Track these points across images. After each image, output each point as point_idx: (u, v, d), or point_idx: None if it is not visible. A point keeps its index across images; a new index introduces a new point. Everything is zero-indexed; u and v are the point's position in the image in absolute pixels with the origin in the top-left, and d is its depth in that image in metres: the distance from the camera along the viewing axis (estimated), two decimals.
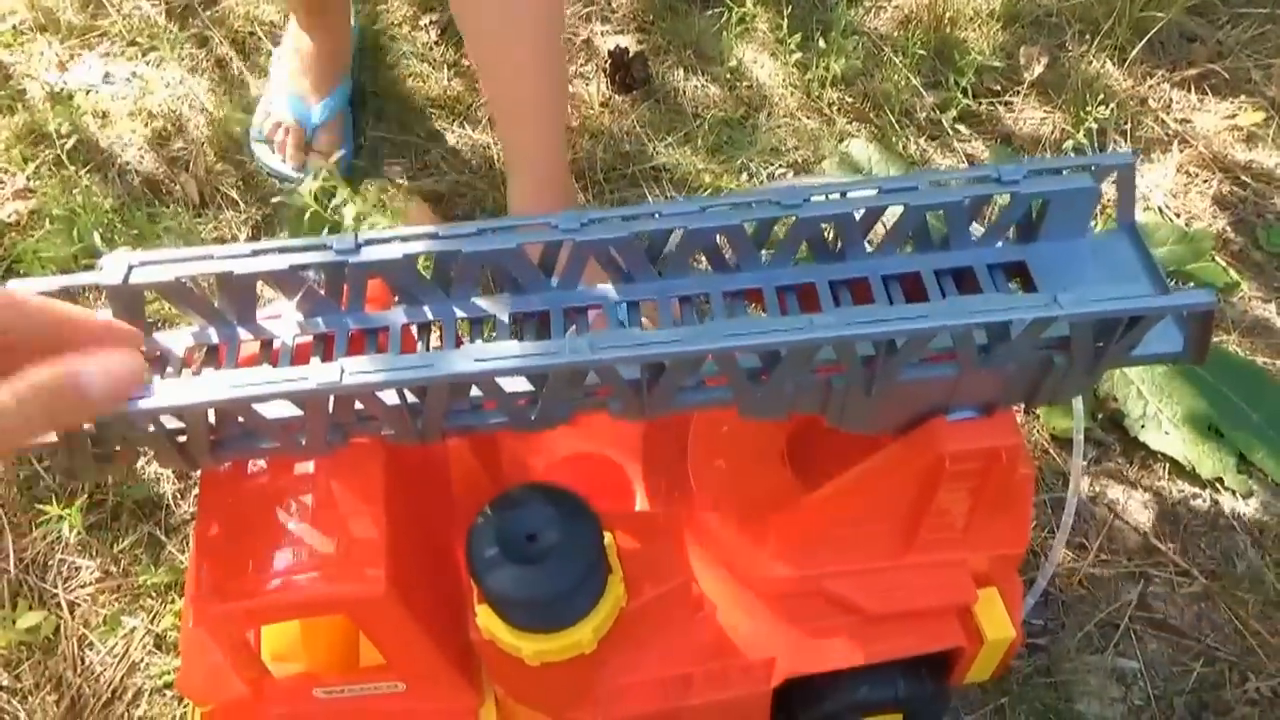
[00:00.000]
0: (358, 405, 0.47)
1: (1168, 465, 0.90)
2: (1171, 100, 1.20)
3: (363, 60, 1.25)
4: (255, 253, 0.48)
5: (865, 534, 0.58)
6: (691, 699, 0.58)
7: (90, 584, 0.85)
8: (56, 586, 0.85)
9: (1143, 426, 0.90)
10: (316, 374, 0.43)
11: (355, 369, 0.43)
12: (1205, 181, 1.11)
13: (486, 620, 0.50)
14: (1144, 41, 1.23)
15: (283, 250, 0.49)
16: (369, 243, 0.49)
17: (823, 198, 0.51)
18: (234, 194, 1.14)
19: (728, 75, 1.25)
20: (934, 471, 0.53)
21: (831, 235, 0.52)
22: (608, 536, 0.53)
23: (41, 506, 0.86)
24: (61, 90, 1.23)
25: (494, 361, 0.43)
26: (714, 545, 0.61)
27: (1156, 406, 0.91)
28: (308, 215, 1.04)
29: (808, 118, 1.21)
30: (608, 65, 1.27)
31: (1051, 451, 0.91)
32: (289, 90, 1.15)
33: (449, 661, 0.55)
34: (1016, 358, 0.48)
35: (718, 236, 0.51)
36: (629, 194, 1.14)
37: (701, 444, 0.64)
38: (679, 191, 1.14)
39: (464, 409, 0.49)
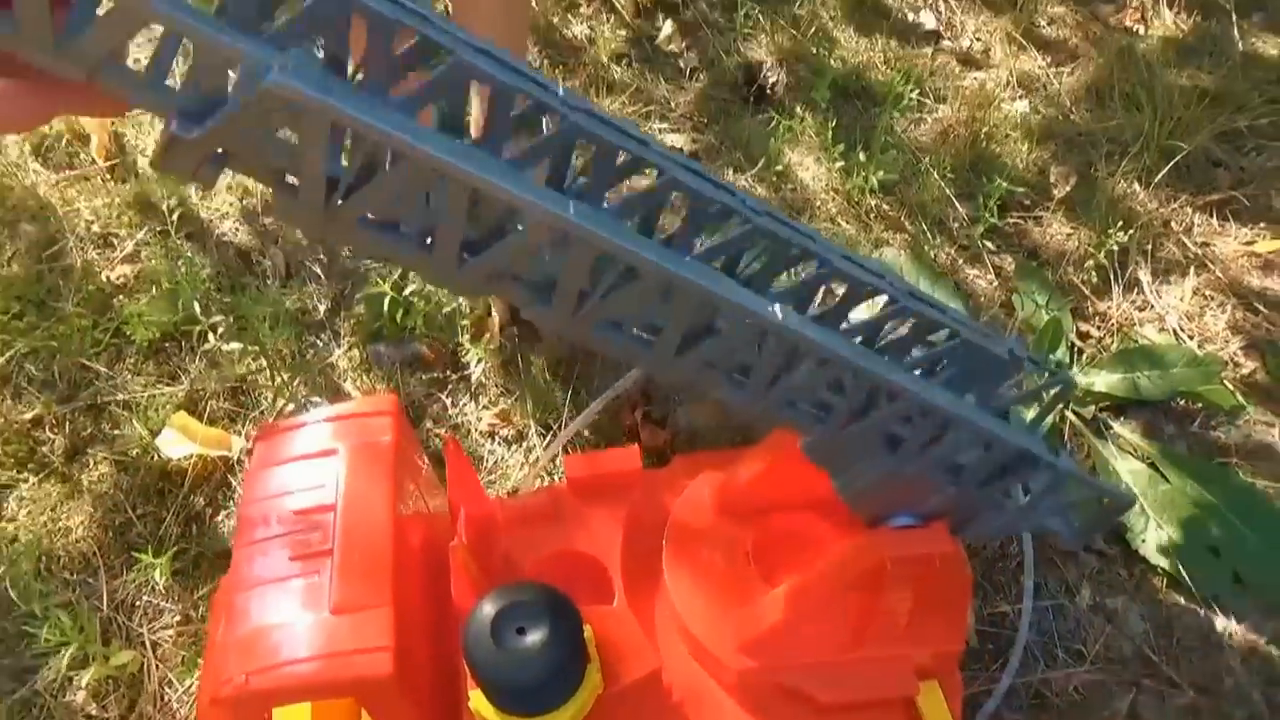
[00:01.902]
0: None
1: (1165, 579, 0.96)
2: (1193, 224, 1.27)
3: None
4: None
5: (818, 630, 0.65)
6: None
7: (172, 626, 0.95)
8: (142, 626, 0.95)
9: (1143, 541, 0.96)
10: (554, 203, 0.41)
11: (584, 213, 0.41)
12: (1220, 305, 1.18)
13: (479, 704, 0.59)
14: (1170, 165, 1.30)
15: None
16: None
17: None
18: (317, 269, 1.25)
19: (774, 177, 1.35)
20: (877, 573, 0.61)
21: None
22: (587, 629, 0.62)
23: (136, 554, 0.96)
24: None
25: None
26: (684, 637, 0.69)
27: (1157, 522, 0.97)
28: (386, 301, 1.15)
29: (847, 223, 1.30)
30: None
31: (1057, 561, 0.97)
32: None
33: None
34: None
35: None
36: None
37: (675, 543, 0.72)
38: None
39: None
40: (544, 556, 0.73)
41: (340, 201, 0.41)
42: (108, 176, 1.35)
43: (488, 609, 0.58)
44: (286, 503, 0.65)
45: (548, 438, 1.07)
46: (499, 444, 1.09)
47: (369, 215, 0.43)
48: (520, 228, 0.43)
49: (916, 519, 0.60)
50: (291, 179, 0.41)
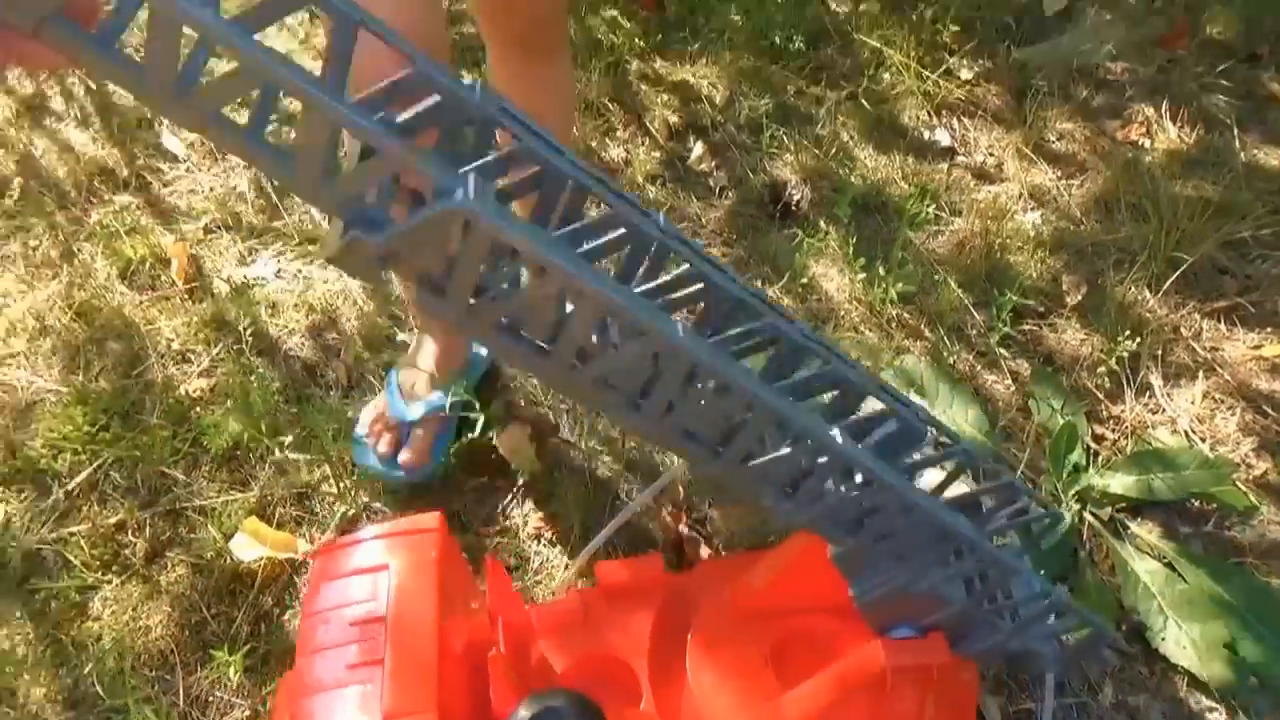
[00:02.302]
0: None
1: (1186, 678, 0.99)
2: (1202, 329, 1.33)
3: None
4: None
5: None
6: None
7: None
8: None
9: (1163, 639, 1.00)
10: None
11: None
12: (1230, 409, 1.23)
13: None
14: (1178, 273, 1.37)
15: None
16: None
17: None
18: (375, 380, 1.35)
19: (800, 289, 1.44)
20: (882, 678, 0.66)
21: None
22: None
23: (212, 650, 1.04)
24: (241, 282, 1.49)
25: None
26: None
27: (1176, 621, 1.01)
28: None
29: (869, 331, 1.38)
30: None
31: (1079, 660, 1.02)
32: (398, 385, 1.24)
33: None
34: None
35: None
36: None
37: (699, 645, 0.78)
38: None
39: None
40: (575, 660, 0.80)
41: (481, 303, 0.49)
42: (186, 297, 1.47)
43: (523, 715, 0.65)
44: (343, 614, 0.73)
45: (589, 542, 1.14)
46: (544, 545, 1.17)
47: (503, 319, 0.51)
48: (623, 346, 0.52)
49: (917, 630, 0.66)
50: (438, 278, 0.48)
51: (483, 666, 0.75)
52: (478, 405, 1.23)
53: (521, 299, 0.50)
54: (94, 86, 1.82)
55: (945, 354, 1.33)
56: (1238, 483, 1.14)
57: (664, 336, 0.51)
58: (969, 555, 0.64)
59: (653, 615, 0.82)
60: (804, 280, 1.44)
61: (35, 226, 1.56)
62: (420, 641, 0.71)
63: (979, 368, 1.32)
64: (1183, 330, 1.33)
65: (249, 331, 1.39)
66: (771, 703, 0.73)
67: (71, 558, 1.15)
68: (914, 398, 1.27)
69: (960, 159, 1.66)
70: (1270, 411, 1.22)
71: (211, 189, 1.66)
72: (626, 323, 0.51)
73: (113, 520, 1.19)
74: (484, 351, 1.32)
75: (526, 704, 0.66)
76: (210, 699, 1.04)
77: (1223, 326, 1.33)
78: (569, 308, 0.51)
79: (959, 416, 1.23)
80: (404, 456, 1.18)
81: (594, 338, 0.53)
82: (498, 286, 0.50)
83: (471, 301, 0.49)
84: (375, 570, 0.76)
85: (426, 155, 0.45)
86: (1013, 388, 1.28)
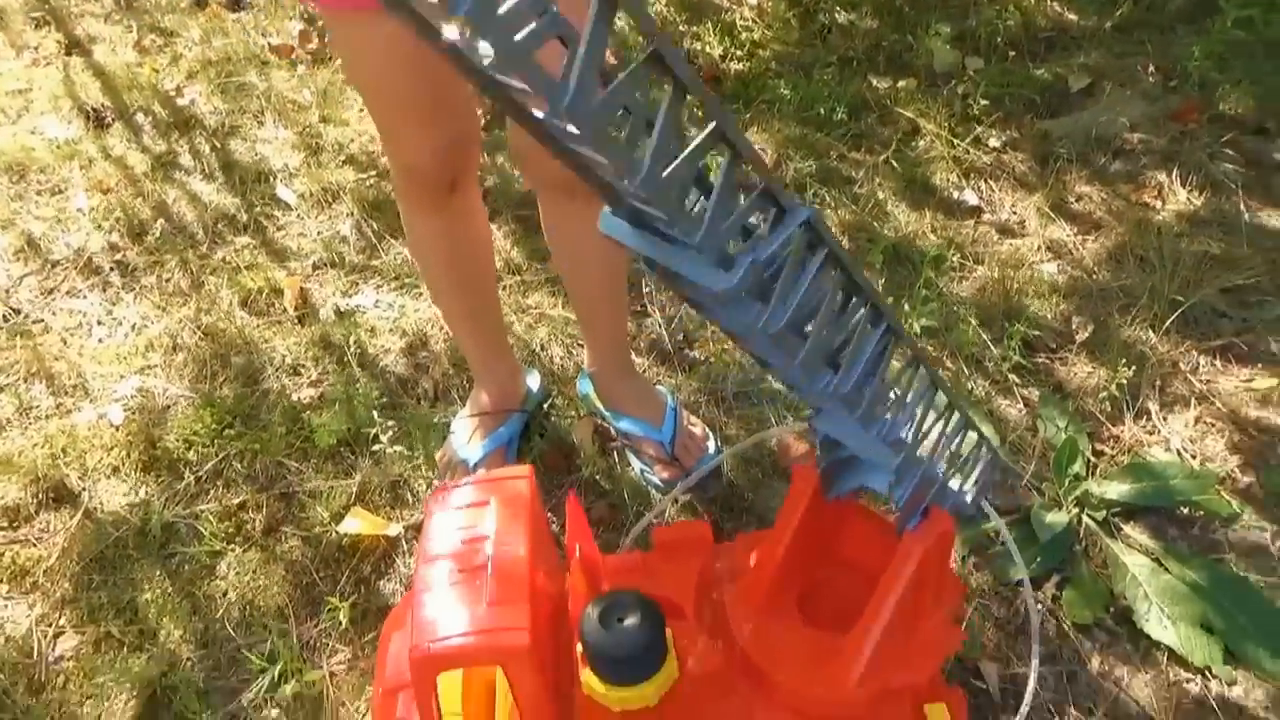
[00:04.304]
0: None
1: (1166, 654, 1.12)
2: (1199, 364, 1.47)
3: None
4: None
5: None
6: None
7: (345, 662, 1.20)
8: (324, 661, 1.20)
9: (1147, 621, 1.13)
10: None
11: None
12: (1220, 432, 1.37)
13: (588, 678, 0.81)
14: (1177, 313, 1.52)
15: None
16: None
17: None
18: (458, 396, 1.55)
19: None
20: (931, 558, 0.83)
21: None
22: (668, 631, 0.84)
23: (327, 598, 1.22)
24: (345, 310, 1.72)
25: None
26: (741, 655, 0.90)
27: (1159, 605, 1.14)
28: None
29: (895, 360, 1.54)
30: None
31: (1071, 635, 1.15)
32: (459, 435, 1.40)
33: None
34: None
35: None
36: (750, 412, 1.49)
37: (738, 601, 0.94)
38: (791, 414, 1.48)
39: None
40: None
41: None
42: (297, 323, 1.70)
43: (598, 604, 0.82)
44: (453, 535, 0.91)
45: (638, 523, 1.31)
46: (604, 531, 1.34)
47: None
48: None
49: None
50: None
51: (562, 606, 0.93)
52: (531, 429, 1.41)
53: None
54: (219, 145, 2.10)
55: (964, 381, 1.49)
56: (1222, 492, 1.27)
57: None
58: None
59: (699, 566, 0.99)
60: None
61: (169, 262, 1.82)
62: (516, 553, 0.88)
63: (994, 394, 1.47)
64: (1181, 365, 1.47)
65: (353, 348, 1.61)
66: (797, 633, 0.89)
67: (202, 529, 1.35)
68: None
69: (986, 216, 1.84)
70: (1256, 434, 1.35)
71: (319, 233, 1.91)
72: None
73: (236, 501, 1.40)
74: (535, 386, 1.50)
75: (599, 599, 0.83)
76: (319, 644, 1.22)
77: (1218, 363, 1.47)
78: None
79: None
80: None
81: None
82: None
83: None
84: (479, 505, 0.94)
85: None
86: (1024, 411, 1.43)
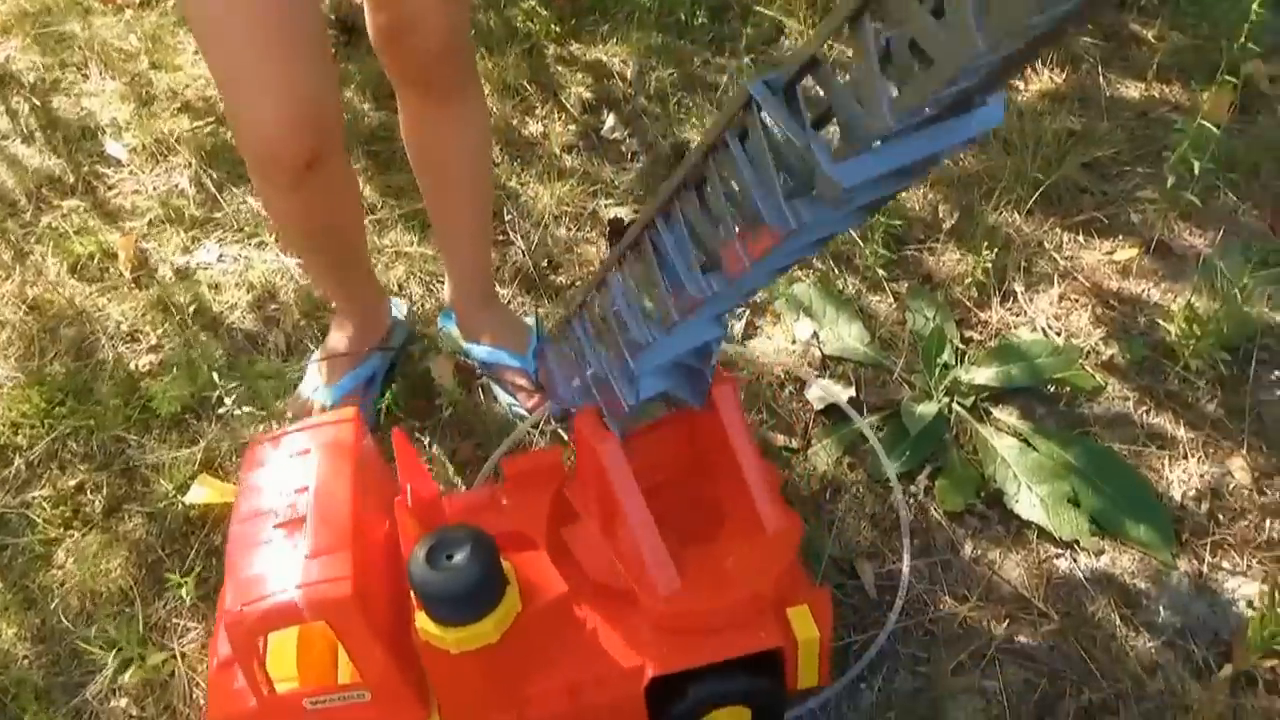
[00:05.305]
0: None
1: (1036, 532, 1.11)
2: (1062, 241, 1.46)
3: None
4: None
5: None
6: (583, 701, 0.81)
7: (197, 641, 1.12)
8: (173, 642, 1.12)
9: (1017, 502, 1.12)
10: None
11: None
12: (1083, 307, 1.36)
13: (422, 622, 0.76)
14: (1039, 192, 1.50)
15: None
16: None
17: None
18: (312, 345, 1.46)
19: None
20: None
21: None
22: (507, 562, 0.79)
23: (168, 575, 1.14)
24: (185, 268, 1.60)
25: None
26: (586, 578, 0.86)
27: (1028, 485, 1.13)
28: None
29: None
30: (608, 231, 1.59)
31: (944, 524, 1.14)
32: (310, 378, 1.32)
33: (403, 675, 0.80)
34: None
35: None
36: None
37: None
38: None
39: None
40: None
41: None
42: (133, 286, 1.58)
43: (425, 543, 0.76)
44: (272, 488, 0.84)
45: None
46: (470, 473, 1.28)
47: None
48: None
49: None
50: None
51: (397, 541, 0.87)
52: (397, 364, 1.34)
53: None
54: (39, 103, 1.92)
55: (835, 280, 1.45)
56: (1086, 367, 1.27)
57: None
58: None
59: (550, 495, 0.94)
60: None
61: None
62: (338, 501, 0.82)
63: (865, 290, 1.44)
64: (1045, 243, 1.46)
65: (192, 309, 1.50)
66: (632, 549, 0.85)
67: (34, 517, 1.25)
68: (803, 319, 1.39)
69: None
70: (1118, 305, 1.35)
71: (155, 188, 1.77)
72: None
73: (72, 483, 1.30)
74: (401, 316, 1.42)
75: (427, 537, 0.77)
76: (168, 625, 1.14)
77: (1081, 238, 1.46)
78: None
79: (843, 332, 1.35)
80: None
81: None
82: None
83: None
84: (300, 455, 0.87)
85: None
86: (894, 305, 1.41)
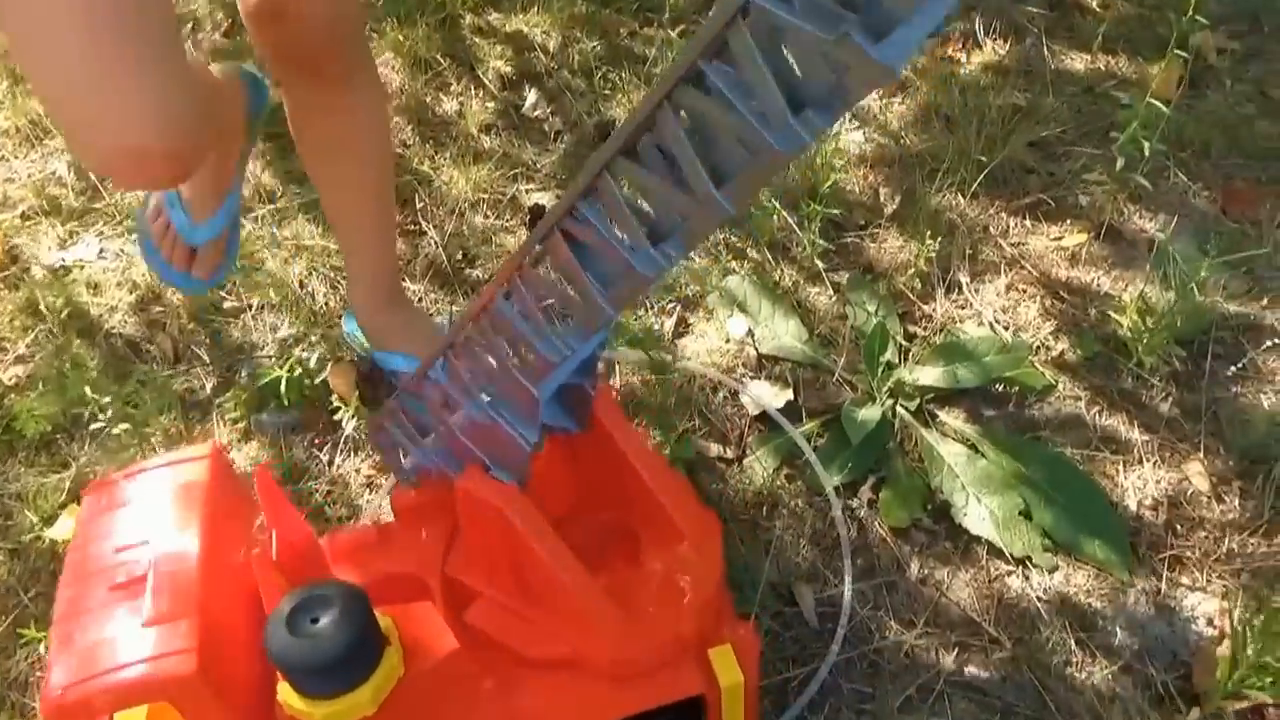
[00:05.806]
0: None
1: (986, 547, 1.04)
2: (1008, 226, 1.38)
3: None
4: None
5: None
6: None
7: None
8: (34, 700, 1.00)
9: (965, 515, 1.05)
10: None
11: None
12: (1031, 298, 1.29)
13: (285, 695, 0.65)
14: (984, 173, 1.42)
15: None
16: None
17: None
18: (203, 352, 1.32)
19: None
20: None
21: None
22: (386, 619, 0.68)
23: (21, 630, 1.01)
24: (59, 267, 1.44)
25: None
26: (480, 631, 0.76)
27: (976, 496, 1.05)
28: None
29: (699, 257, 1.40)
30: (528, 219, 1.47)
31: (889, 541, 1.06)
32: (180, 200, 1.10)
33: None
34: None
35: None
36: None
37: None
38: None
39: None
40: (371, 581, 0.80)
41: None
42: (1, 287, 1.42)
43: (285, 605, 0.65)
44: (108, 544, 0.72)
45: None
46: (376, 493, 1.16)
47: None
48: None
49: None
50: None
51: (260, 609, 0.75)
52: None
53: None
54: None
55: (771, 271, 1.36)
56: (1036, 364, 1.19)
57: None
58: None
59: (446, 532, 0.83)
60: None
61: None
62: (183, 558, 0.70)
63: (803, 282, 1.35)
64: (990, 229, 1.38)
65: (65, 313, 1.35)
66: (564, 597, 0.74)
67: None
68: (738, 315, 1.30)
69: None
70: (1067, 296, 1.28)
71: (29, 175, 1.60)
72: None
73: None
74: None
75: (289, 596, 0.66)
76: (30, 680, 1.01)
77: (1027, 222, 1.39)
78: None
79: (780, 329, 1.26)
80: (197, 271, 1.11)
81: None
82: None
83: None
84: (143, 500, 0.75)
85: None
86: (834, 298, 1.32)
